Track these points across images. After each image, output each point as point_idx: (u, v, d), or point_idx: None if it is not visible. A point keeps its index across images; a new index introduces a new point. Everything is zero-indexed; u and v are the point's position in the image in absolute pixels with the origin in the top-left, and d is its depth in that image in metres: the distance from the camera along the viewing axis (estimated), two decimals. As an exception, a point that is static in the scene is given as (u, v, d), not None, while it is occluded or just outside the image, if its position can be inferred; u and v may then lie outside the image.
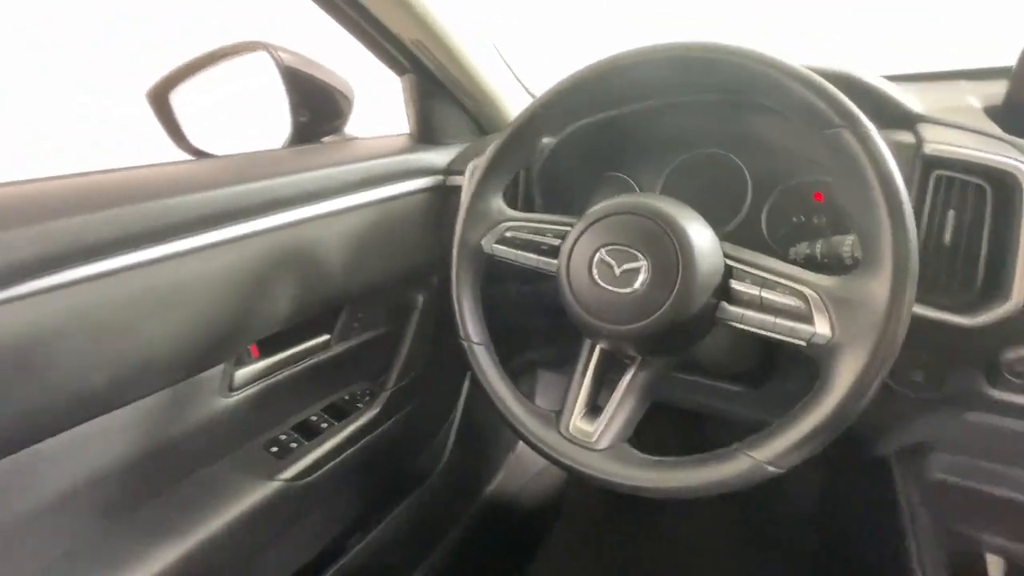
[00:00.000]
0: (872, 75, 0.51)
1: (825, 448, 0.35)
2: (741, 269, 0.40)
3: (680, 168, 0.64)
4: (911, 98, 0.50)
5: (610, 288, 0.41)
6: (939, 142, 0.45)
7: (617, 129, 0.61)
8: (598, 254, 0.42)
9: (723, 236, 0.41)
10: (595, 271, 0.42)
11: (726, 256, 0.40)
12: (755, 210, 0.59)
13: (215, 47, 0.62)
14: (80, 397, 0.41)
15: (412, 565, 0.70)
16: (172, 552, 0.47)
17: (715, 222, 0.42)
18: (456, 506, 0.86)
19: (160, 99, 0.66)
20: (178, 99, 0.66)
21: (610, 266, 0.41)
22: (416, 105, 0.68)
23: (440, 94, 0.66)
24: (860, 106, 0.36)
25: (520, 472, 0.98)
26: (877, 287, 0.33)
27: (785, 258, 0.48)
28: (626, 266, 0.40)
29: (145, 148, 0.73)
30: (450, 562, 0.64)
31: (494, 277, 0.52)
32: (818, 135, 0.36)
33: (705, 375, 0.67)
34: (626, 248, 0.40)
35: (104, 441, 0.44)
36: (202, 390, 0.51)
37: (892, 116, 0.49)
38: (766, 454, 0.36)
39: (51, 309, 0.38)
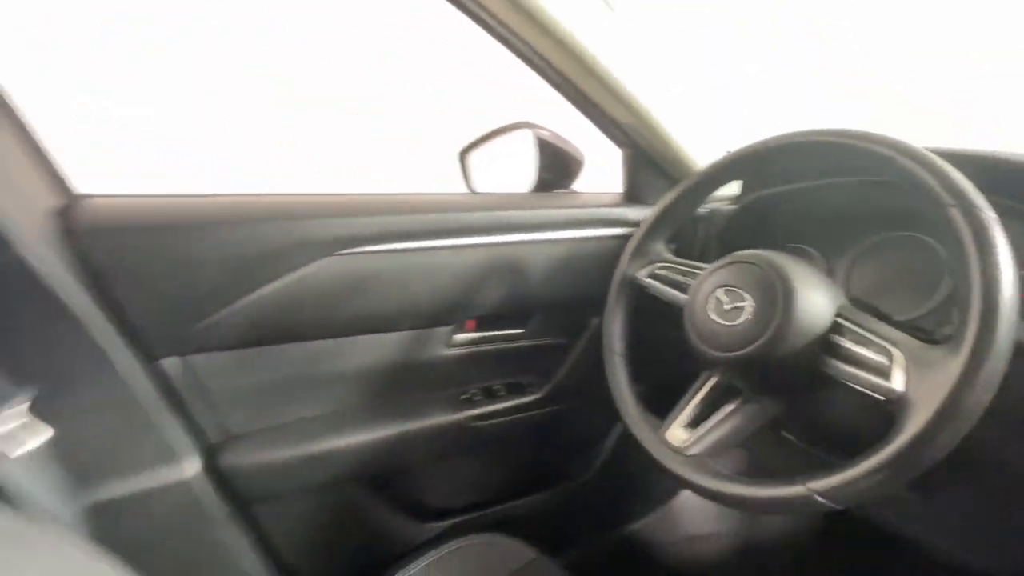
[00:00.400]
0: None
1: None
2: (848, 327, 0.44)
3: (869, 248, 0.64)
4: None
5: (719, 321, 0.50)
6: None
7: (792, 203, 0.66)
8: (715, 292, 0.51)
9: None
10: (709, 305, 0.51)
11: (839, 315, 0.45)
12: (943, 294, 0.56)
13: (498, 127, 0.92)
14: (378, 315, 0.71)
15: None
16: (391, 430, 0.73)
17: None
18: (588, 518, 0.95)
19: (463, 158, 1.00)
20: (471, 157, 0.99)
21: (721, 302, 0.50)
22: (628, 172, 0.85)
23: (649, 165, 0.82)
24: (1008, 187, 0.38)
25: (664, 515, 1.01)
26: (952, 362, 0.35)
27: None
28: (735, 304, 0.49)
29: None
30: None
31: (658, 318, 0.63)
32: (935, 213, 0.40)
33: (804, 440, 0.65)
34: (738, 289, 0.49)
35: (377, 349, 0.74)
36: (433, 338, 0.77)
37: None
38: (821, 486, 0.40)
39: (386, 262, 0.68)
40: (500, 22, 0.61)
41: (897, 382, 0.38)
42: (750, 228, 0.72)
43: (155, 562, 0.53)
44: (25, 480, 0.50)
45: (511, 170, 1.00)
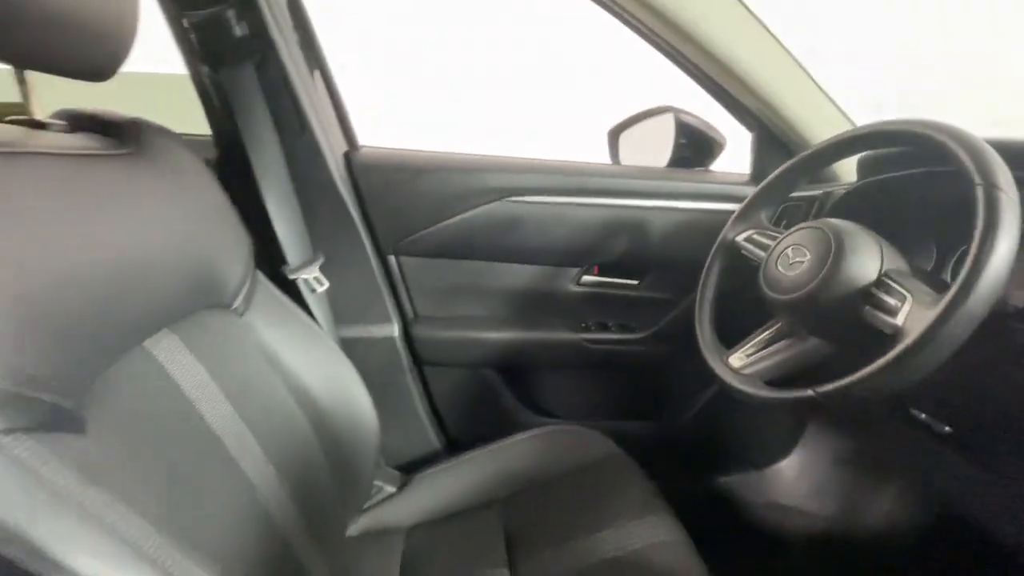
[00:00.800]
0: None
1: None
2: (889, 283, 0.54)
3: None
4: None
5: (783, 272, 0.62)
6: None
7: (905, 191, 0.71)
8: (786, 250, 0.63)
9: None
10: (779, 260, 0.63)
11: (886, 275, 0.55)
12: None
13: (644, 109, 1.07)
14: (527, 249, 0.95)
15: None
16: (524, 335, 0.98)
17: None
18: (678, 458, 1.09)
19: (613, 137, 1.18)
20: (623, 137, 1.17)
21: (788, 257, 0.62)
22: (756, 154, 0.95)
23: (776, 148, 0.91)
24: None
25: (757, 478, 1.09)
26: (940, 303, 0.45)
27: None
28: (797, 258, 0.61)
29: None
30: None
31: (748, 278, 0.74)
32: (968, 193, 0.48)
33: None
34: (803, 247, 0.61)
35: (523, 275, 0.98)
36: (565, 276, 0.99)
37: None
38: (821, 390, 0.52)
39: (539, 210, 0.92)
40: (638, 19, 0.78)
41: (900, 318, 0.48)
42: (856, 210, 0.77)
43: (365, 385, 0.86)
44: (318, 309, 0.85)
45: (656, 149, 1.16)
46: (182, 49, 0.75)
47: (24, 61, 0.43)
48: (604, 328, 1.02)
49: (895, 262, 0.56)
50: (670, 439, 1.08)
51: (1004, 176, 0.45)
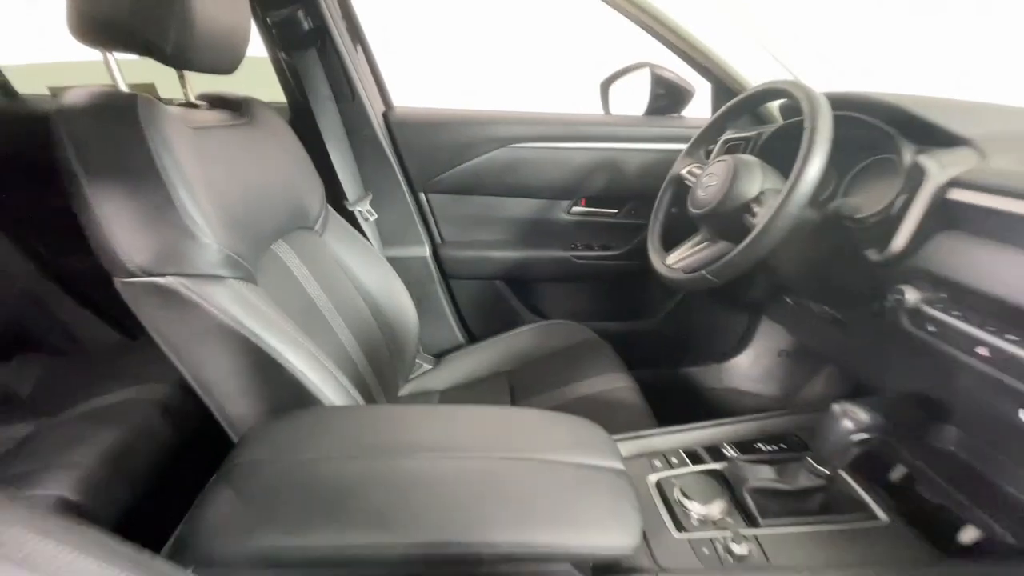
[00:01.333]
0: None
1: None
2: (762, 198, 0.78)
3: (861, 169, 0.89)
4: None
5: (701, 194, 0.87)
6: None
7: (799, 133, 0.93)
8: (707, 176, 0.87)
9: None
10: (699, 185, 0.88)
11: (762, 192, 0.79)
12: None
13: (625, 65, 1.28)
14: (527, 186, 1.21)
15: None
16: (525, 254, 1.25)
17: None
18: (651, 350, 1.37)
19: (604, 88, 1.39)
20: (612, 89, 1.38)
21: (705, 183, 0.86)
22: (714, 102, 1.16)
23: (728, 96, 1.12)
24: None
25: (716, 369, 1.37)
26: (773, 208, 0.69)
27: None
28: (711, 183, 0.85)
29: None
30: None
31: None
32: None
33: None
34: (716, 174, 0.85)
35: (525, 207, 1.24)
36: (558, 207, 1.25)
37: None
38: (708, 269, 0.78)
39: (537, 154, 1.17)
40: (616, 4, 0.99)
41: (758, 220, 0.73)
42: (778, 150, 0.99)
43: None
44: (370, 234, 1.15)
45: (637, 98, 1.37)
46: (265, 39, 1.01)
47: (183, 65, 0.66)
48: (589, 248, 1.28)
49: (772, 183, 0.80)
50: (643, 336, 1.36)
51: (824, 121, 0.68)
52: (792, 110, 0.99)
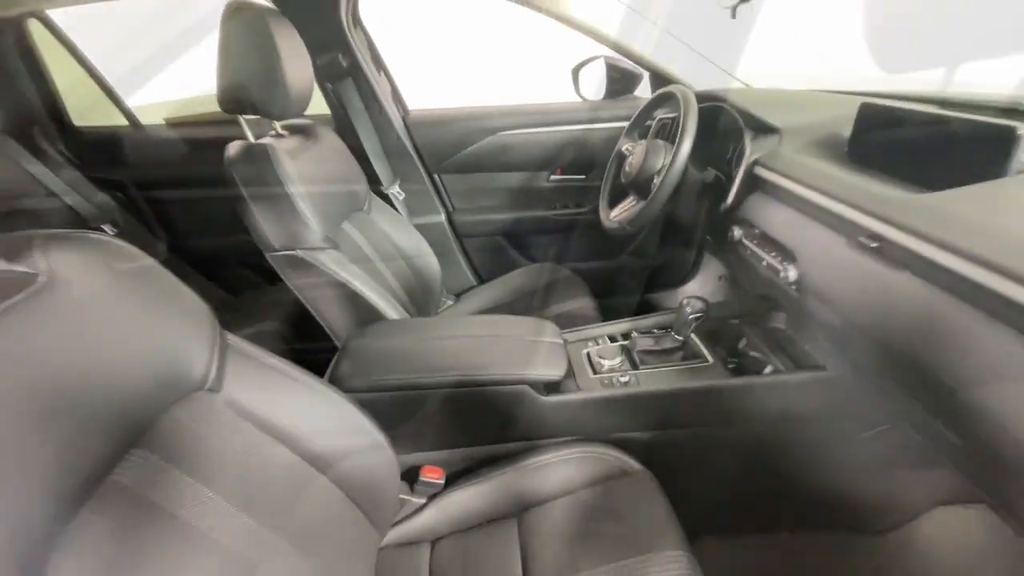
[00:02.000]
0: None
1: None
2: (662, 170, 1.16)
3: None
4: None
5: (628, 167, 1.25)
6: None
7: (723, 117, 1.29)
8: (633, 152, 1.25)
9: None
10: (628, 159, 1.26)
11: (664, 164, 1.17)
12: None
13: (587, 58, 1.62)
14: (514, 162, 1.60)
15: None
16: (519, 215, 1.66)
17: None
18: (618, 284, 1.79)
19: (575, 74, 1.73)
20: (580, 75, 1.72)
21: (633, 157, 1.24)
22: (653, 86, 1.51)
23: (663, 82, 1.46)
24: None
25: (674, 292, 1.78)
26: (661, 176, 1.08)
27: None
28: (635, 159, 1.23)
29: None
30: None
31: None
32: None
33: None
34: (638, 152, 1.23)
35: (515, 179, 1.64)
36: (540, 176, 1.64)
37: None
38: (618, 218, 1.18)
39: (520, 138, 1.56)
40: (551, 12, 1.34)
41: (654, 185, 1.11)
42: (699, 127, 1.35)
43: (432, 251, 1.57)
44: (401, 208, 1.57)
45: (598, 83, 1.72)
46: (315, 75, 1.40)
47: (280, 117, 1.08)
48: (566, 207, 1.68)
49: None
50: (612, 271, 1.77)
51: (691, 118, 1.05)
52: (703, 96, 1.34)
